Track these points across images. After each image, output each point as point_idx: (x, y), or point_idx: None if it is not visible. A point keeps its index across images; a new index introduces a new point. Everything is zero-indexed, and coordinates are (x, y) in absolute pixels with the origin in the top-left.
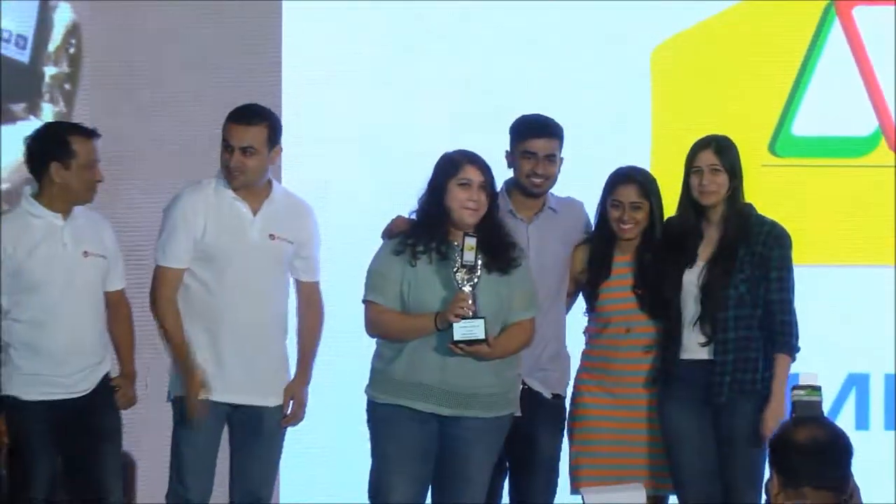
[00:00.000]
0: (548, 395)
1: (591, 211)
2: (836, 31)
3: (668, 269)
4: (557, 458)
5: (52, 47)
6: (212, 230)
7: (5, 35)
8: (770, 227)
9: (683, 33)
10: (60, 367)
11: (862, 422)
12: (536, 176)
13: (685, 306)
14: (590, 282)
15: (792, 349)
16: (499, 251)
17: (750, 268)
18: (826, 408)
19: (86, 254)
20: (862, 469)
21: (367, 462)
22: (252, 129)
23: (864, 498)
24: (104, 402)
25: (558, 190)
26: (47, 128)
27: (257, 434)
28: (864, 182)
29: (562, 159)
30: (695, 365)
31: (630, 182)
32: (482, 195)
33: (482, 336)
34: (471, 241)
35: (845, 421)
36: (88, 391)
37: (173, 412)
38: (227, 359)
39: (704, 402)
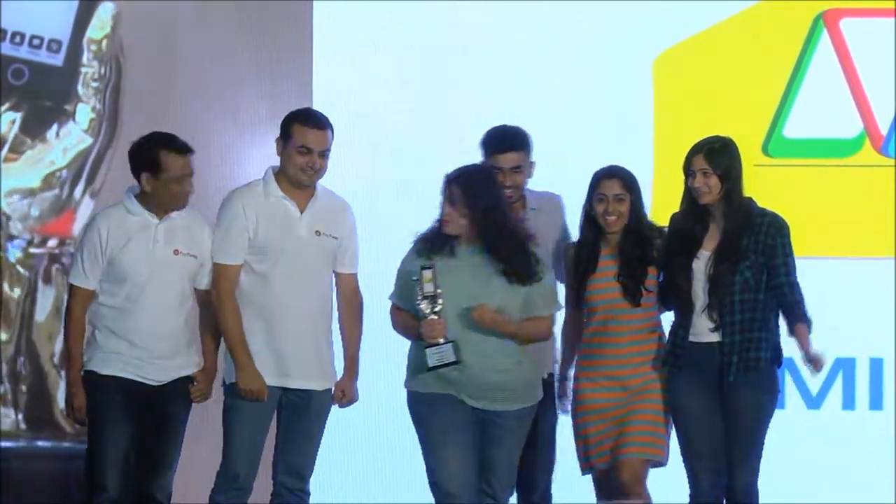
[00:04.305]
0: (544, 375)
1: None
2: (825, 42)
3: (678, 259)
4: (555, 433)
5: (91, 48)
6: (263, 228)
7: (35, 42)
8: (771, 218)
9: (683, 43)
10: (137, 351)
11: (849, 402)
12: (505, 187)
13: (694, 293)
14: (578, 275)
15: (808, 320)
16: (519, 265)
17: (754, 255)
18: (814, 390)
19: (176, 252)
20: (848, 445)
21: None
22: (328, 133)
23: (850, 471)
24: (177, 391)
25: (566, 190)
26: (146, 139)
27: (304, 415)
28: (850, 180)
29: (533, 163)
30: (703, 346)
31: (612, 177)
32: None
33: (453, 359)
34: (427, 273)
35: (833, 402)
36: (164, 383)
37: (225, 396)
38: (280, 345)
39: (713, 382)
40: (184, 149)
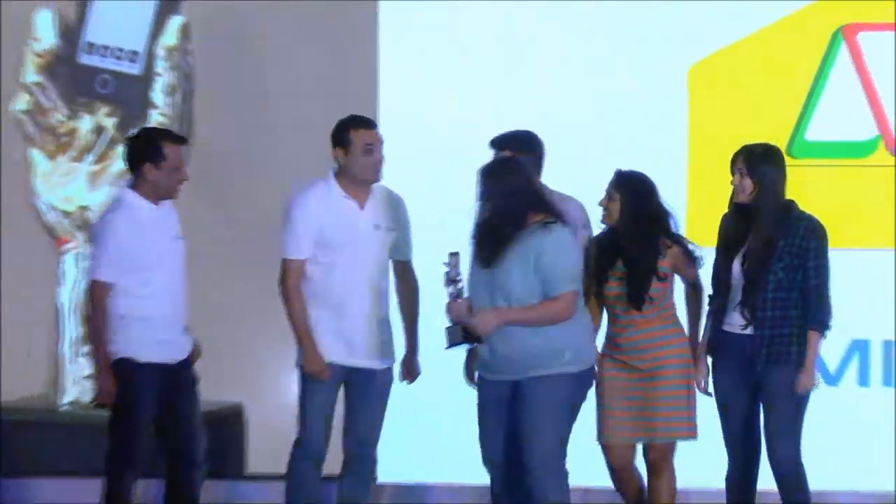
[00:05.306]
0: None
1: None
2: (843, 53)
3: (721, 257)
4: None
5: (163, 57)
6: (328, 224)
7: (117, 53)
8: (807, 222)
9: (716, 54)
10: (170, 332)
11: (863, 380)
12: None
13: (733, 288)
14: (598, 268)
15: (823, 327)
16: (487, 248)
17: (789, 256)
18: (832, 368)
19: (173, 238)
20: (863, 419)
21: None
22: (378, 129)
23: (865, 445)
24: (184, 364)
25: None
26: (143, 132)
27: (369, 391)
28: (866, 179)
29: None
30: (735, 336)
31: (613, 177)
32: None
33: (461, 339)
34: (453, 259)
35: (849, 379)
36: (181, 359)
37: (299, 375)
38: (346, 330)
39: (744, 364)
40: (181, 139)
